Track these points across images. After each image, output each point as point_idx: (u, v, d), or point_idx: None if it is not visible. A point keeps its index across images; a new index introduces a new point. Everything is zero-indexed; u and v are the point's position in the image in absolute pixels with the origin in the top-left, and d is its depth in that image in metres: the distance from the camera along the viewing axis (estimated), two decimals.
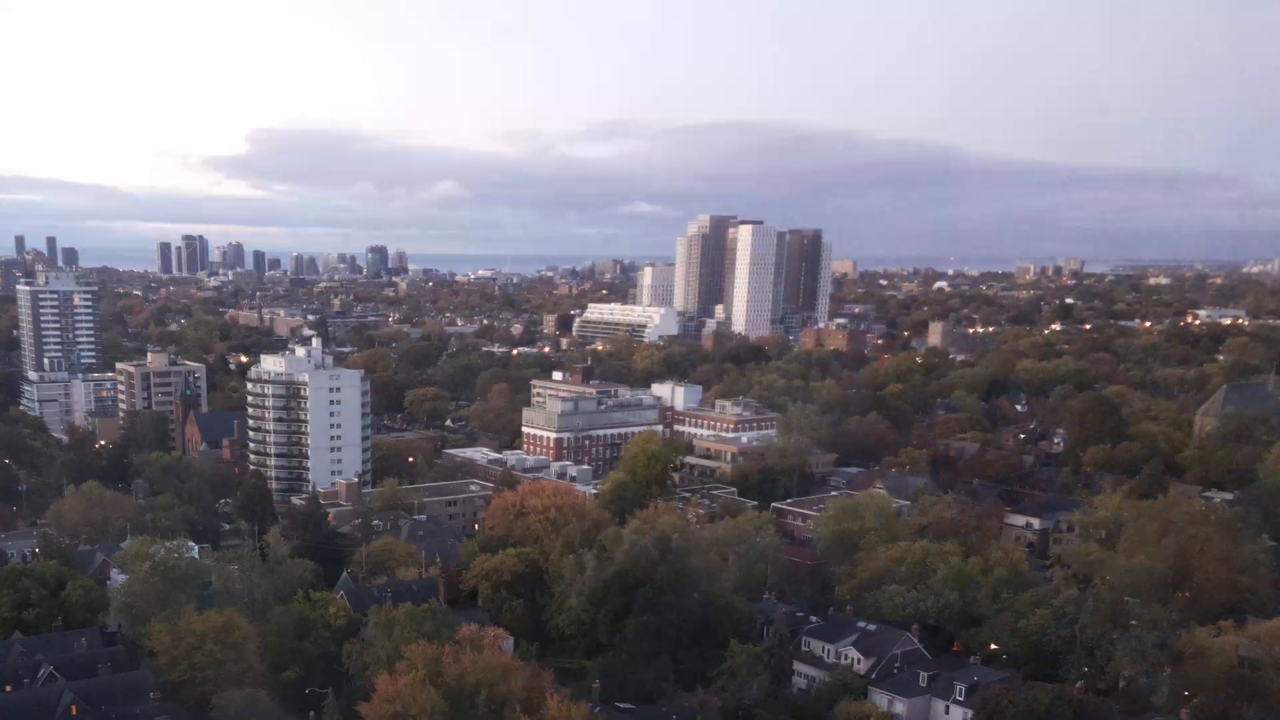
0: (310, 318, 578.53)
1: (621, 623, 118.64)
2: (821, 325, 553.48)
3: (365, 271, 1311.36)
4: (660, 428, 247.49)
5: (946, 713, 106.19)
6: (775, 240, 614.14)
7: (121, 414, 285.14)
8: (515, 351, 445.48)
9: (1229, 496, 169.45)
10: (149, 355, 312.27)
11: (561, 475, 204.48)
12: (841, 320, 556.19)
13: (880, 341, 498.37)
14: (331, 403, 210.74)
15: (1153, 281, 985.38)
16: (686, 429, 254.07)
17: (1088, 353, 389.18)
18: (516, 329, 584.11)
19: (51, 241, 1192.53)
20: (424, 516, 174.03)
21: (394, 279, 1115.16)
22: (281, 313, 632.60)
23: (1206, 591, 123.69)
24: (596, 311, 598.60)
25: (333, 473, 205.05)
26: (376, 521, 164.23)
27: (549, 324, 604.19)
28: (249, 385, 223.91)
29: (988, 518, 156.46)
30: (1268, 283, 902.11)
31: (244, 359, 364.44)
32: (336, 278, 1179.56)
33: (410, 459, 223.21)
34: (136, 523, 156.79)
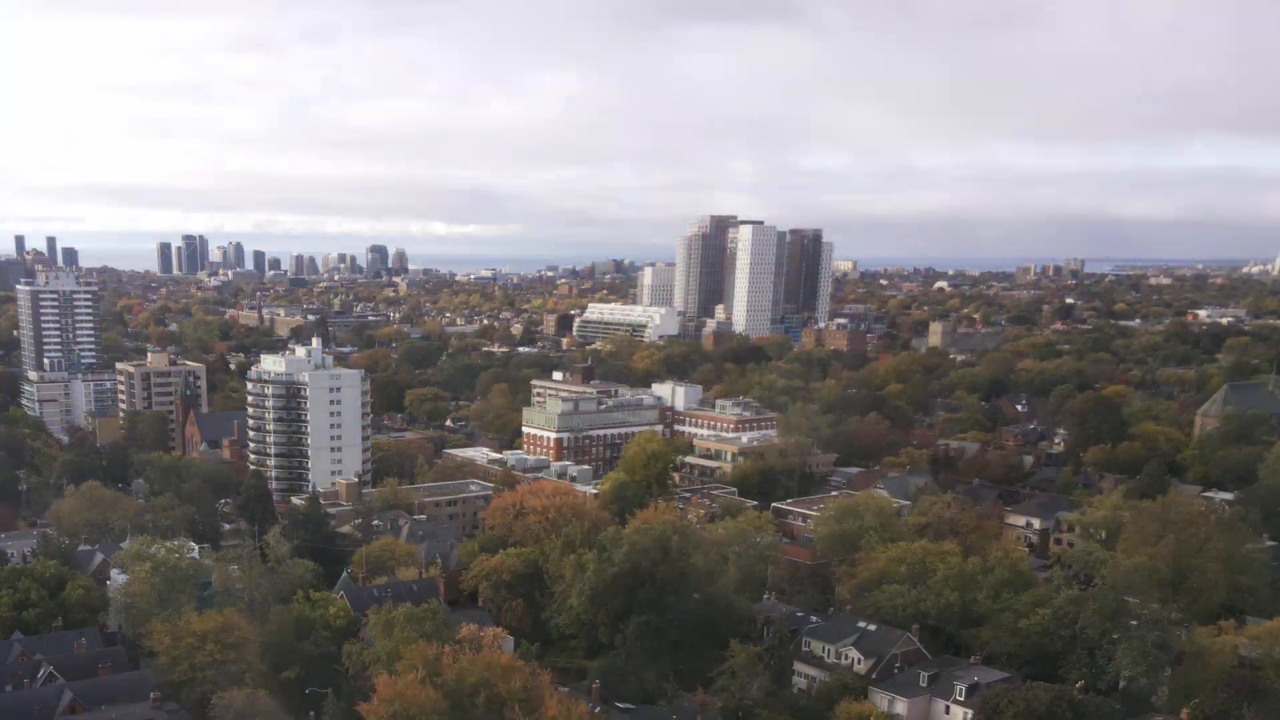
0: (310, 318, 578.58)
1: (621, 623, 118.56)
2: (821, 325, 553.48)
3: (365, 271, 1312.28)
4: (660, 428, 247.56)
5: (946, 713, 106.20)
6: (775, 240, 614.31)
7: (121, 414, 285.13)
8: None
9: (1229, 496, 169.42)
10: (149, 355, 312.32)
11: (561, 475, 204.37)
12: (841, 320, 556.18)
13: (880, 341, 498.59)
14: (331, 403, 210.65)
15: (1153, 281, 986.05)
16: (686, 429, 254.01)
17: (1088, 353, 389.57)
18: (516, 329, 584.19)
19: (51, 241, 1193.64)
20: (424, 516, 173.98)
21: (394, 279, 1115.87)
22: (281, 313, 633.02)
23: (1206, 591, 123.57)
24: (596, 311, 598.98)
25: (333, 473, 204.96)
26: (376, 521, 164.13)
27: (549, 324, 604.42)
28: (249, 385, 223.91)
29: (988, 518, 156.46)
30: (1268, 283, 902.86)
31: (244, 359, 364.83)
32: (336, 278, 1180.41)
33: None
34: (136, 523, 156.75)
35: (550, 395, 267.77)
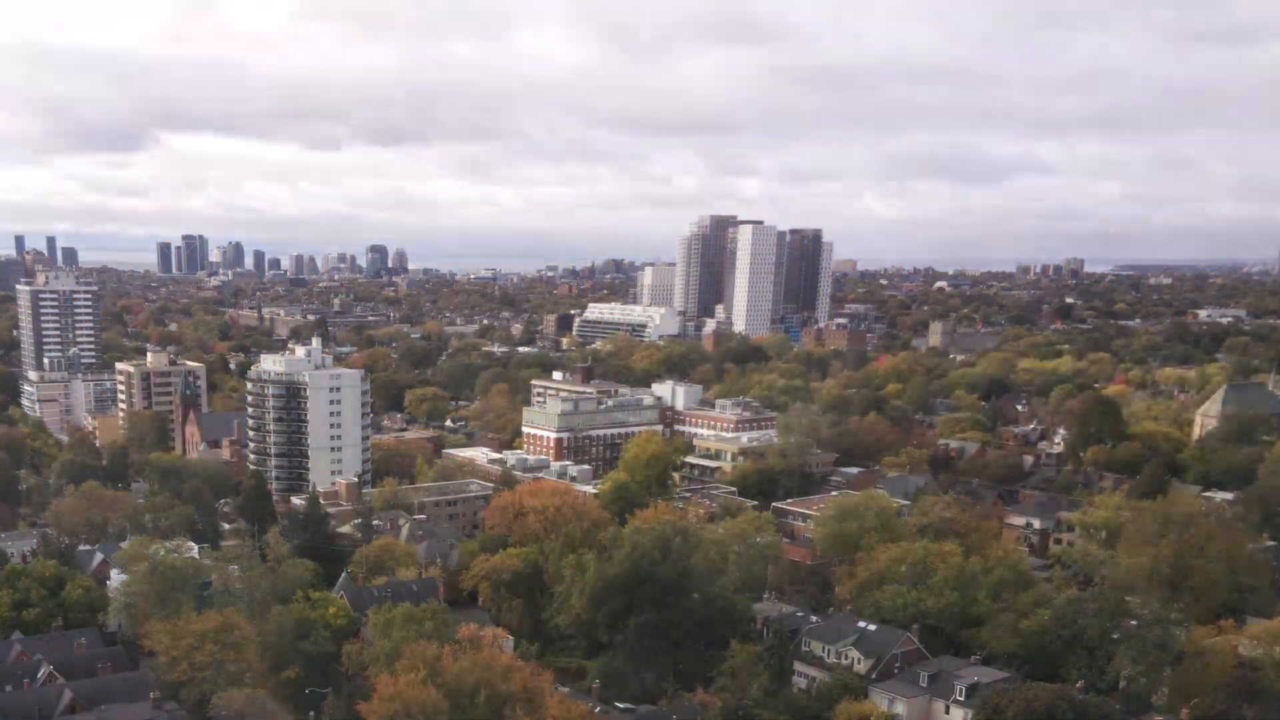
0: (310, 318, 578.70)
1: (621, 623, 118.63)
2: (821, 325, 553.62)
3: (365, 271, 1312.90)
4: (660, 428, 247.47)
5: (946, 713, 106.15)
6: (775, 240, 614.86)
7: (121, 414, 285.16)
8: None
9: (1229, 496, 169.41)
10: (149, 355, 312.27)
11: (561, 475, 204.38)
12: (841, 320, 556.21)
13: (880, 341, 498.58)
14: (331, 403, 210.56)
15: (1153, 281, 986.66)
16: (686, 429, 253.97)
17: (1088, 353, 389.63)
18: (516, 329, 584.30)
19: (51, 241, 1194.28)
20: (424, 516, 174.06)
21: (394, 279, 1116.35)
22: (281, 312, 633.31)
23: (1206, 591, 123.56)
24: (596, 311, 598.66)
25: (333, 473, 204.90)
26: (376, 521, 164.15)
27: (549, 324, 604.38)
28: (249, 385, 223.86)
29: (988, 518, 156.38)
30: (1268, 283, 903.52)
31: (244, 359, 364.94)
32: (336, 277, 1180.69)
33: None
34: (136, 523, 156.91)
35: (550, 395, 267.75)
